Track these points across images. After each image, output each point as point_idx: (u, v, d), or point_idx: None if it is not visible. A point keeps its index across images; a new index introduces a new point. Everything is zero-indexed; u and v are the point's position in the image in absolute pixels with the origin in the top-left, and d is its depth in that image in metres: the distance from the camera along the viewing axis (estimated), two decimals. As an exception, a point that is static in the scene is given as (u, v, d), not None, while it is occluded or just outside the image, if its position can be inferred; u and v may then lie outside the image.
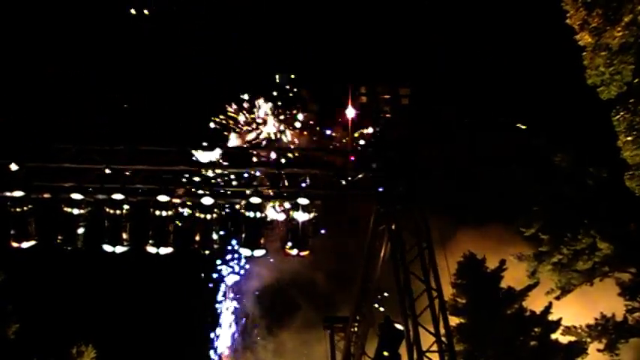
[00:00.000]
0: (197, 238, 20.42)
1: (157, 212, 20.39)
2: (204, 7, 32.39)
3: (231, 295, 37.83)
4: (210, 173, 20.69)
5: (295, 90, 31.79)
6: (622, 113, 14.59)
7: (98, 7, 30.51)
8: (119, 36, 31.50)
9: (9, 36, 28.90)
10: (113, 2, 31.13)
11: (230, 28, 32.92)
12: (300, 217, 19.78)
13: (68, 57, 31.02)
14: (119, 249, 20.59)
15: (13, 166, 20.04)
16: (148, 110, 31.65)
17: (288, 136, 28.67)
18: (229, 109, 31.38)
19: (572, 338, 26.75)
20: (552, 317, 27.31)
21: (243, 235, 20.03)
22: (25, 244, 20.33)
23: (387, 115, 21.42)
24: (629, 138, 14.58)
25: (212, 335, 38.22)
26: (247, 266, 36.76)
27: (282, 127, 30.17)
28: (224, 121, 31.75)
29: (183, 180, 20.60)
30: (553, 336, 27.11)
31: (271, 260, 31.77)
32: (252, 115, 31.79)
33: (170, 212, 20.39)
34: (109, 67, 31.85)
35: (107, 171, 20.27)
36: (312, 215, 19.90)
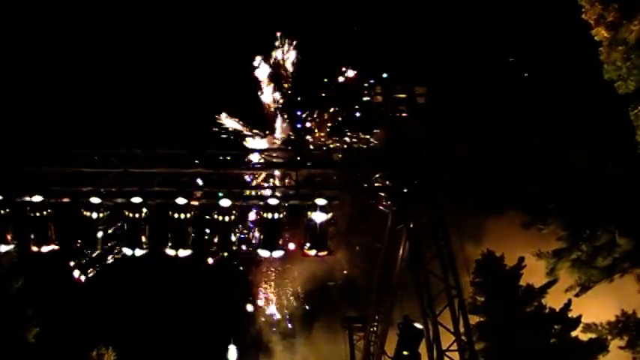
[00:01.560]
0: (215, 240, 20.54)
1: (176, 215, 20.52)
2: (204, 7, 32.38)
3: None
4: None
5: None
6: (640, 108, 14.51)
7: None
8: (125, 37, 31.62)
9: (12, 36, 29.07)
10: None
11: (231, 28, 32.86)
12: (318, 217, 19.83)
13: (80, 57, 31.19)
14: (138, 252, 20.73)
15: None
16: (158, 112, 31.77)
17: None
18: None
19: (593, 335, 26.54)
20: (572, 314, 27.19)
21: (262, 237, 20.11)
22: (45, 249, 20.52)
23: (404, 115, 21.48)
24: (646, 133, 14.50)
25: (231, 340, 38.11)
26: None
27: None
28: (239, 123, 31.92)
29: (200, 182, 20.72)
30: (573, 333, 26.94)
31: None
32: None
33: (189, 215, 20.51)
34: (122, 68, 31.99)
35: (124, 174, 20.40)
36: (329, 215, 19.95)
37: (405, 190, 20.29)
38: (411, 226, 19.97)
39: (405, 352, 19.42)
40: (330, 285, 31.45)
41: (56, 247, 20.56)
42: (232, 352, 37.28)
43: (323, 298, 31.95)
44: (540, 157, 28.44)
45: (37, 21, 30.55)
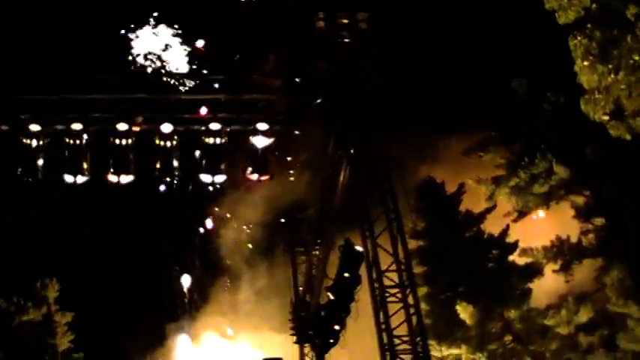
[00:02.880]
0: (157, 166, 20.59)
1: (117, 141, 20.46)
2: None
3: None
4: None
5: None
6: (579, 38, 14.58)
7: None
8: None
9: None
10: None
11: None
12: (260, 142, 19.97)
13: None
14: (80, 179, 20.68)
15: None
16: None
17: None
18: None
19: (529, 260, 27.36)
20: (509, 240, 27.97)
21: (204, 162, 20.21)
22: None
23: (346, 41, 21.51)
24: (585, 63, 14.60)
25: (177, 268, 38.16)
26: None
27: None
28: None
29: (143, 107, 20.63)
30: (510, 258, 27.76)
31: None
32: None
33: (130, 140, 20.47)
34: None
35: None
36: (271, 140, 20.10)
37: (346, 118, 20.44)
38: (352, 152, 20.19)
39: (346, 274, 19.77)
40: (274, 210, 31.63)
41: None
42: (186, 279, 37.53)
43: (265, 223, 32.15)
44: (481, 84, 28.75)
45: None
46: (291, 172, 27.04)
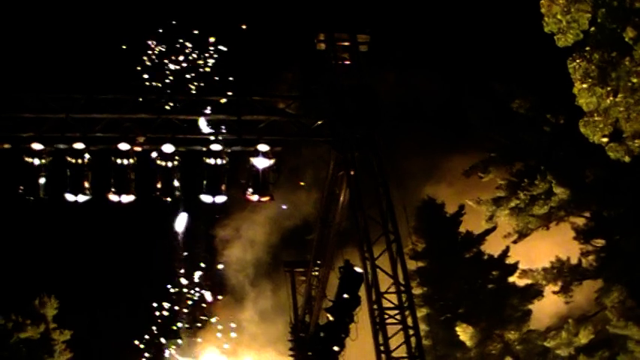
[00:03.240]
0: (158, 185, 20.61)
1: (119, 161, 20.49)
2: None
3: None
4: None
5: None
6: (578, 61, 14.71)
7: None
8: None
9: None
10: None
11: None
12: (260, 163, 20.03)
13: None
14: (81, 198, 20.67)
15: None
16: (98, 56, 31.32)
17: None
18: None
19: (529, 281, 27.37)
20: (510, 261, 27.99)
21: (204, 182, 20.25)
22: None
23: (346, 62, 21.67)
24: (584, 85, 14.72)
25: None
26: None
27: None
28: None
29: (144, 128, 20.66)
30: (510, 279, 27.79)
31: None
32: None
33: (131, 160, 20.49)
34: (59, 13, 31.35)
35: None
36: (272, 162, 20.15)
37: (346, 138, 20.54)
38: (352, 173, 20.26)
39: (345, 296, 19.78)
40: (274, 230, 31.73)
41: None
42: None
43: (265, 243, 32.25)
44: (483, 105, 28.83)
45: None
46: (292, 193, 27.30)
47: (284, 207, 29.96)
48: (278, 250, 31.48)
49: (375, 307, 19.01)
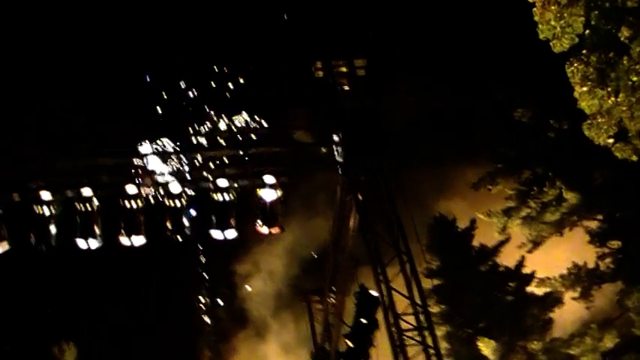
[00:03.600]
0: (168, 225, 20.68)
1: (127, 204, 20.58)
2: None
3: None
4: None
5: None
6: (575, 64, 14.72)
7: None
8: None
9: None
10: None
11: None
12: (268, 195, 20.07)
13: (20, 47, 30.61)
14: (93, 243, 20.75)
15: None
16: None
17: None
18: None
19: (548, 289, 27.17)
20: (526, 270, 27.80)
21: (213, 218, 20.31)
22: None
23: (345, 88, 21.74)
24: (584, 89, 14.72)
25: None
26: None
27: None
28: None
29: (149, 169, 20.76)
30: (528, 289, 27.58)
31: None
32: None
33: (140, 202, 20.58)
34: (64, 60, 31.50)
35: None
36: (279, 193, 20.20)
37: (352, 163, 20.57)
38: (359, 197, 20.25)
39: (363, 320, 19.69)
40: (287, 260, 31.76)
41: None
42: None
43: (279, 274, 32.26)
44: (487, 115, 28.80)
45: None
46: (302, 222, 27.27)
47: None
48: (297, 280, 31.46)
49: (394, 329, 18.92)
